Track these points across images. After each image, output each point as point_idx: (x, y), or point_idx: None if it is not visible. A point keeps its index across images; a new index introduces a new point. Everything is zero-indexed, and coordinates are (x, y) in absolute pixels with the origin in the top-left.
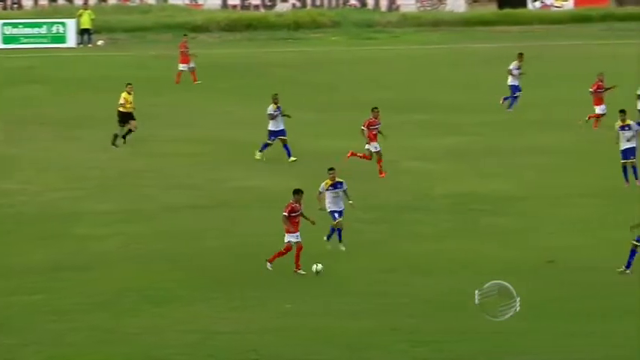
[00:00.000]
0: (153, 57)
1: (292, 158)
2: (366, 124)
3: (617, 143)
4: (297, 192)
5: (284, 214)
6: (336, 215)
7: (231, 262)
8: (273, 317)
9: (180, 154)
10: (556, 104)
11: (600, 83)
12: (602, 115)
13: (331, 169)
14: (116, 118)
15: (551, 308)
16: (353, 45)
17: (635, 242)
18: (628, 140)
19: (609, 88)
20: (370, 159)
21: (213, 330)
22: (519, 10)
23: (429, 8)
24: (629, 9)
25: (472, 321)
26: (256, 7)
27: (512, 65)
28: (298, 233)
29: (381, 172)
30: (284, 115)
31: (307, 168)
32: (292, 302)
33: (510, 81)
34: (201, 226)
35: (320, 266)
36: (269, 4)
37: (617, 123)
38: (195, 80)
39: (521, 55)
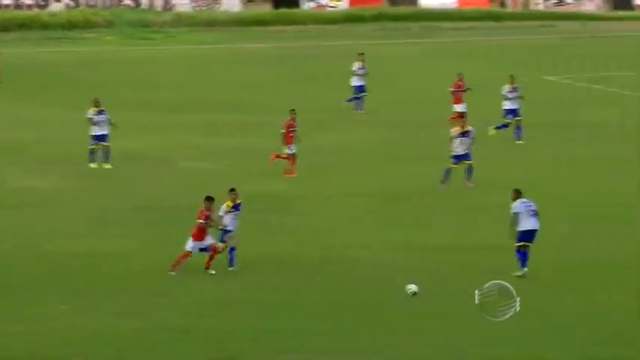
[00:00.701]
0: None
1: (108, 166)
2: (286, 126)
3: (451, 147)
4: (209, 199)
5: (200, 221)
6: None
7: (15, 264)
8: (50, 318)
9: None
10: (333, 103)
11: (460, 82)
12: (463, 113)
13: (232, 190)
14: None
15: (328, 305)
16: (128, 45)
17: (521, 244)
18: (465, 147)
19: (468, 89)
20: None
21: None
22: (294, 10)
23: (204, 8)
24: (402, 9)
25: (246, 319)
26: (29, 6)
27: (356, 66)
28: (208, 238)
29: (292, 172)
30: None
31: (82, 168)
32: (69, 303)
33: (355, 81)
34: None
35: (413, 287)
36: (42, 3)
37: (455, 129)
38: None
39: (361, 55)
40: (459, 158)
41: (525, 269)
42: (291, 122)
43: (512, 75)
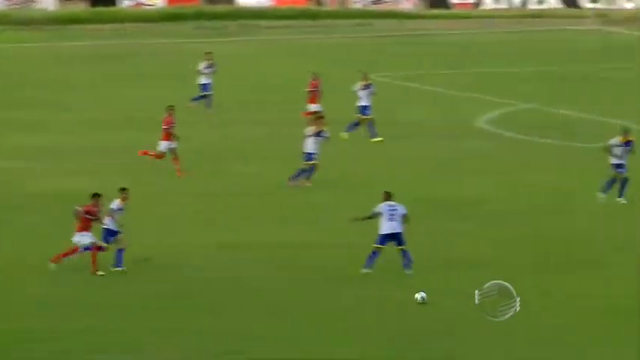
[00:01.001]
0: None
1: None
2: (166, 122)
3: (303, 145)
4: (96, 195)
5: (78, 208)
6: (111, 239)
7: None
8: None
9: None
10: (148, 102)
11: (315, 82)
12: (317, 112)
13: (124, 189)
14: None
15: (148, 305)
16: None
17: (377, 246)
18: (318, 147)
19: (315, 90)
20: (162, 158)
21: None
22: (111, 8)
23: (18, 6)
24: (220, 7)
25: (73, 318)
26: None
27: (202, 65)
28: (91, 233)
29: (179, 172)
30: None
31: None
32: None
33: (202, 80)
34: None
35: (422, 295)
36: None
37: (310, 128)
38: None
39: (209, 54)
40: (311, 157)
41: (410, 271)
42: (169, 119)
43: (364, 72)
